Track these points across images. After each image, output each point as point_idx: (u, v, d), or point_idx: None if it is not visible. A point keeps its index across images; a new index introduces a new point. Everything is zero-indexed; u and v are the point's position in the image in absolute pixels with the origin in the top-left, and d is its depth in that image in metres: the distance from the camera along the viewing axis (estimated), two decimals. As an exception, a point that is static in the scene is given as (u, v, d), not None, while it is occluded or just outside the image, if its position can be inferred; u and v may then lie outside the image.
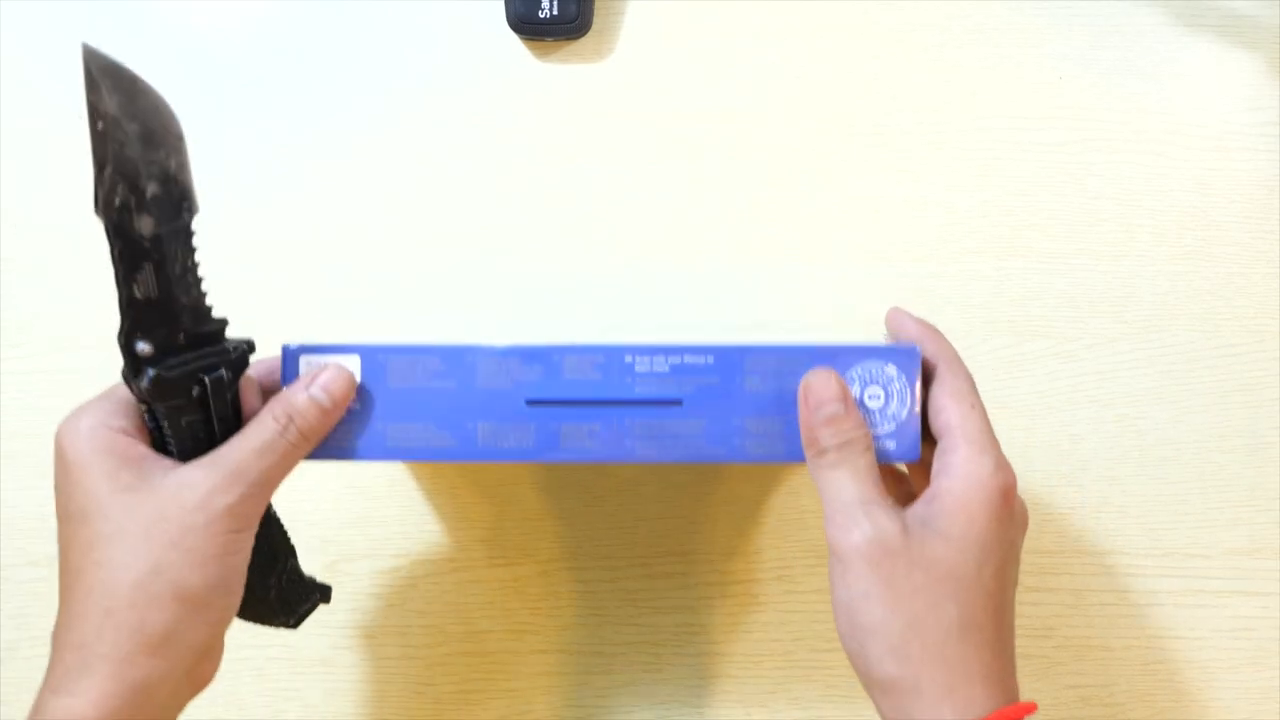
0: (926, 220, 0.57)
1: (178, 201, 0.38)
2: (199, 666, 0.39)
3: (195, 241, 0.39)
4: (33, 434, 0.56)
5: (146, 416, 0.39)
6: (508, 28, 0.56)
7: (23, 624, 0.55)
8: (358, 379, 0.41)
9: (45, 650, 0.36)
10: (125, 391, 0.39)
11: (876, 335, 0.56)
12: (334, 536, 0.55)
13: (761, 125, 0.57)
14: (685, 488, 0.56)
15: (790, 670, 0.55)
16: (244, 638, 0.54)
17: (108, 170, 0.37)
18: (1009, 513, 0.39)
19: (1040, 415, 0.56)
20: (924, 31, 0.57)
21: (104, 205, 0.38)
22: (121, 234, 0.38)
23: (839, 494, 0.39)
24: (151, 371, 0.38)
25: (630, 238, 0.57)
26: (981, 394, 0.55)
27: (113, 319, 0.37)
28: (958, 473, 0.38)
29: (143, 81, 0.38)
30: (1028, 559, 0.55)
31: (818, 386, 0.40)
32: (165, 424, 0.38)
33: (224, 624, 0.39)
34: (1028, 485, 0.55)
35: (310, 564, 0.55)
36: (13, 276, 0.56)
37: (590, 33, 0.57)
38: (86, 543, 0.37)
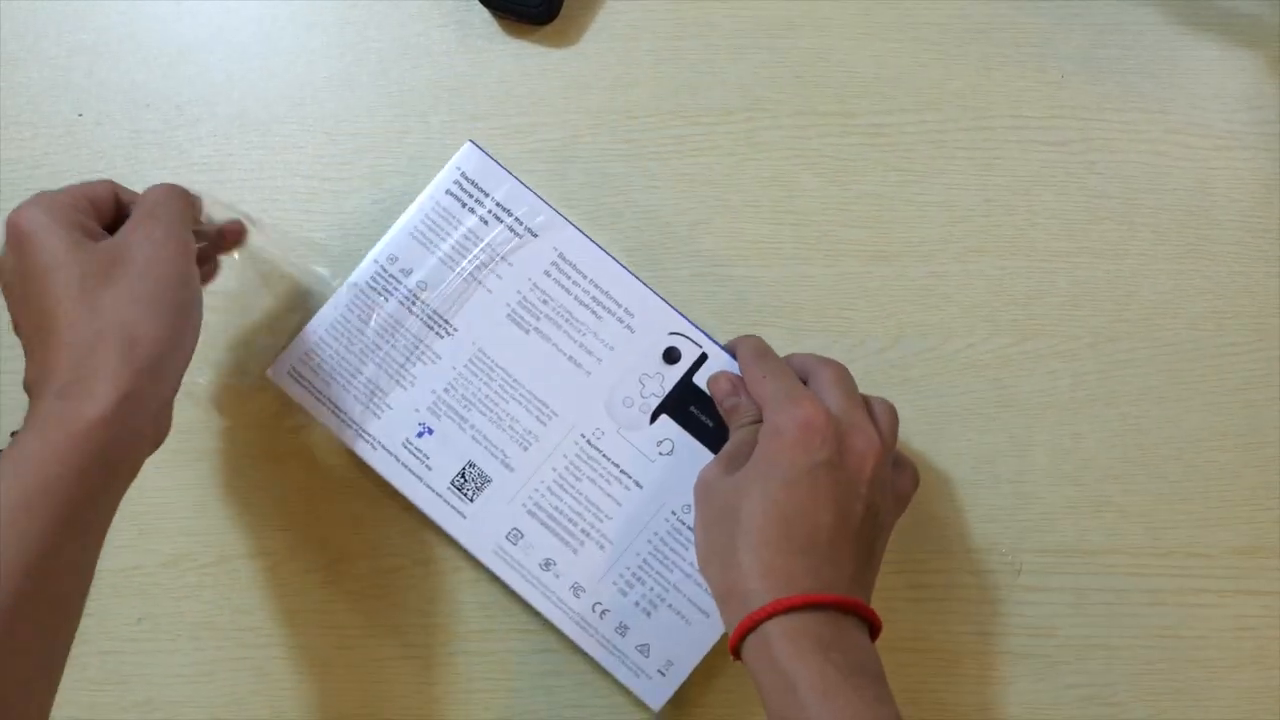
0: (928, 219, 0.57)
1: None
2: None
3: None
4: (32, 433, 0.56)
5: None
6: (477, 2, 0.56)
7: (22, 624, 0.55)
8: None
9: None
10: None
11: (874, 334, 0.56)
12: (333, 536, 0.55)
13: (761, 125, 0.57)
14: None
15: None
16: (245, 637, 0.54)
17: None
18: (803, 440, 0.44)
19: (1041, 414, 0.56)
20: (924, 30, 0.57)
21: None
22: None
23: None
24: None
25: (625, 237, 0.56)
26: (982, 393, 0.55)
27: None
28: (763, 429, 0.46)
29: None
30: (1028, 558, 0.55)
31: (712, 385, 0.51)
32: None
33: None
34: (1027, 484, 0.55)
35: (310, 563, 0.55)
36: (12, 275, 0.56)
37: (559, 19, 0.56)
38: None
